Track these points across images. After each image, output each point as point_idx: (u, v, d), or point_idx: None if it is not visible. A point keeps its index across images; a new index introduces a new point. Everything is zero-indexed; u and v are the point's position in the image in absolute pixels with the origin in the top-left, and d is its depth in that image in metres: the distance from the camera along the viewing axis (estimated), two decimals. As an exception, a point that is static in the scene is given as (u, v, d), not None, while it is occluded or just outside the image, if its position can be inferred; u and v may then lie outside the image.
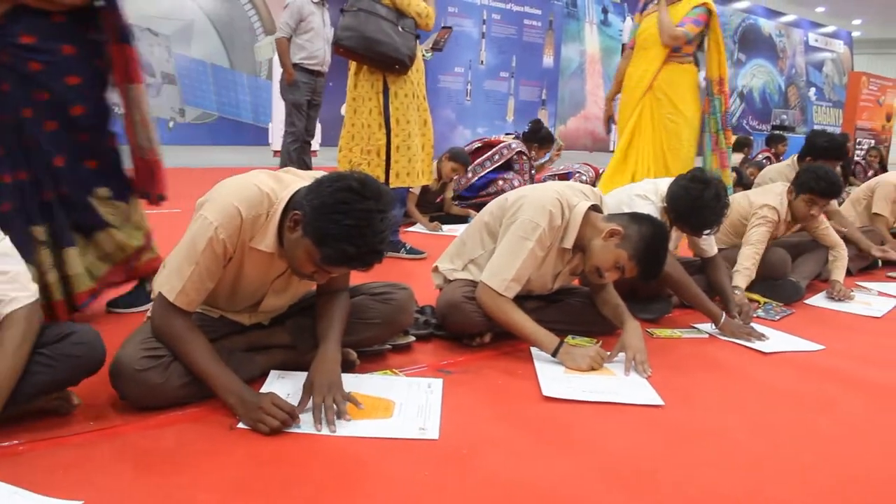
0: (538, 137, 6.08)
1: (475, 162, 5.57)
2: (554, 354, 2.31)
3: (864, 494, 1.70)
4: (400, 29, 3.80)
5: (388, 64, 3.82)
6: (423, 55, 4.46)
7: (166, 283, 1.83)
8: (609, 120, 5.02)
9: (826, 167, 3.62)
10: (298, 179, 1.89)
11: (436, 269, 2.67)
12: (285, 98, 6.10)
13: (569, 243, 2.40)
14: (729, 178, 4.68)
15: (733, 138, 4.73)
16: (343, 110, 4.16)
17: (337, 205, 1.67)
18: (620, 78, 4.83)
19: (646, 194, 2.92)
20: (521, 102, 11.01)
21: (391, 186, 3.99)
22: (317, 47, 6.00)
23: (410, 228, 4.95)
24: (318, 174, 1.86)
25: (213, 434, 1.74)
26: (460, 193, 5.55)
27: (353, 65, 3.97)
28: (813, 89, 20.55)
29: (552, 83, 11.57)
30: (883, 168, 9.69)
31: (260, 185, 1.83)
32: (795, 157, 4.47)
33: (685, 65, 4.54)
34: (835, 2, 19.92)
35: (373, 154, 3.94)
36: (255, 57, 10.79)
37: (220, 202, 1.81)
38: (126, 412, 1.80)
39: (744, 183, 7.25)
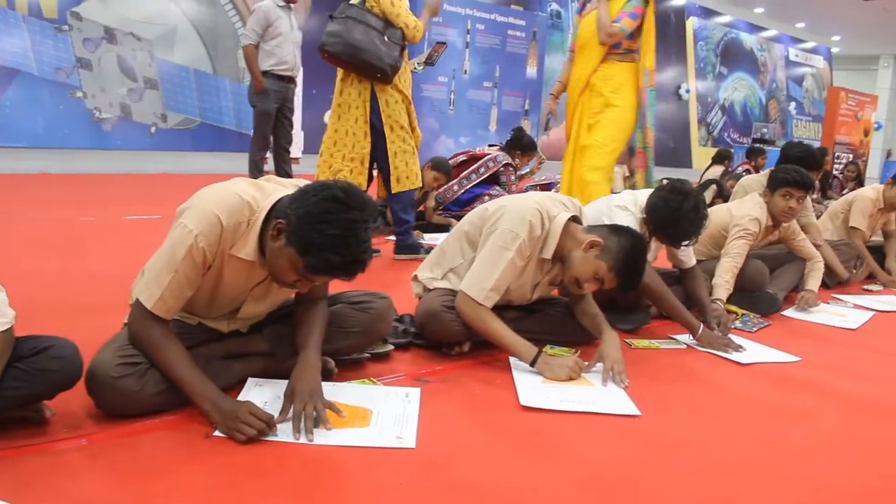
0: (521, 145, 6.10)
1: (460, 175, 5.57)
2: (532, 364, 2.32)
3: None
4: (385, 38, 3.83)
5: (370, 72, 3.84)
6: (415, 68, 4.50)
7: (145, 291, 1.82)
8: (548, 120, 4.87)
9: (792, 165, 3.70)
10: (280, 188, 1.89)
11: (415, 278, 2.68)
12: (254, 105, 6.03)
13: (548, 254, 2.41)
14: (643, 180, 4.54)
15: (651, 135, 4.50)
16: (327, 117, 4.17)
17: (322, 214, 1.67)
18: (565, 79, 4.68)
19: (625, 205, 2.94)
20: (504, 112, 11.06)
21: (394, 192, 4.01)
22: (286, 52, 5.93)
23: (392, 237, 4.94)
24: (301, 182, 1.87)
25: (190, 442, 1.73)
26: (446, 206, 5.56)
27: (339, 71, 3.99)
28: (793, 103, 20.81)
29: (535, 93, 11.63)
30: (860, 182, 9.81)
31: (241, 193, 1.83)
32: (771, 170, 4.50)
33: (625, 62, 4.38)
34: (814, 18, 20.18)
35: (356, 161, 3.96)
36: (239, 63, 10.75)
37: (200, 210, 1.80)
38: (101, 420, 1.79)
39: (724, 195, 7.33)
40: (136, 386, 1.78)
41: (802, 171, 3.56)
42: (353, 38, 3.77)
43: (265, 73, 5.89)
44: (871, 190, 4.79)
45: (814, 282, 3.78)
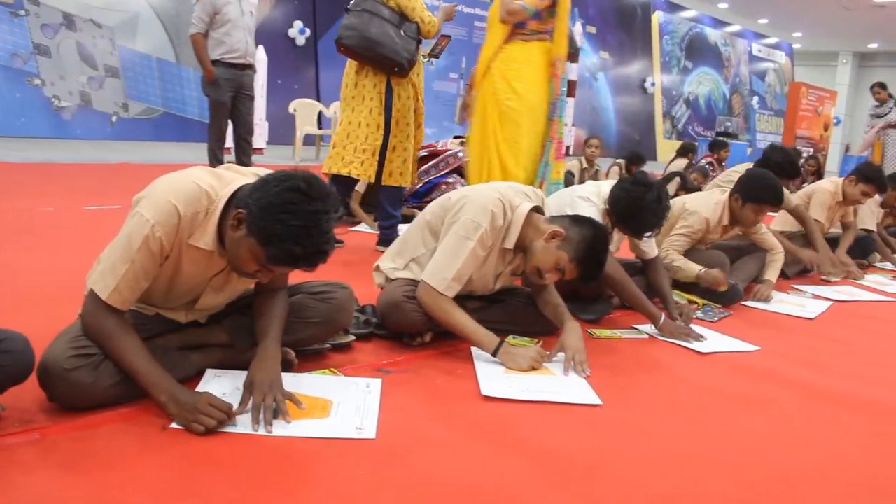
0: None
1: (420, 169, 5.56)
2: (494, 354, 2.33)
3: (794, 491, 1.74)
4: (402, 33, 3.87)
5: (387, 66, 3.88)
6: (423, 60, 4.50)
7: (99, 281, 1.78)
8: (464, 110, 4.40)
9: (769, 175, 3.69)
10: (240, 177, 1.87)
11: (377, 269, 2.66)
12: (207, 95, 5.92)
13: (510, 244, 2.41)
14: (562, 172, 4.08)
15: (559, 127, 3.97)
16: (332, 110, 4.17)
17: (284, 205, 1.65)
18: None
19: (588, 196, 2.96)
20: (470, 104, 11.04)
21: (383, 184, 4.01)
22: (236, 39, 5.80)
23: (355, 228, 4.92)
24: (261, 171, 1.84)
25: (145, 435, 1.70)
26: (406, 199, 5.54)
27: (353, 64, 4.01)
28: (756, 98, 21.09)
29: (502, 85, 11.60)
30: (819, 176, 9.99)
31: (199, 181, 1.80)
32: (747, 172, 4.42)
33: (530, 42, 3.85)
34: (776, 14, 20.47)
35: (367, 153, 3.96)
36: (203, 52, 10.59)
37: (156, 199, 1.77)
38: (54, 413, 1.75)
39: (688, 187, 7.40)
40: (89, 378, 1.74)
41: (779, 190, 3.58)
42: (370, 31, 3.79)
43: (216, 61, 5.75)
44: (830, 183, 4.87)
45: (772, 272, 3.84)
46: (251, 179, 1.80)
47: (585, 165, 7.49)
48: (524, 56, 3.84)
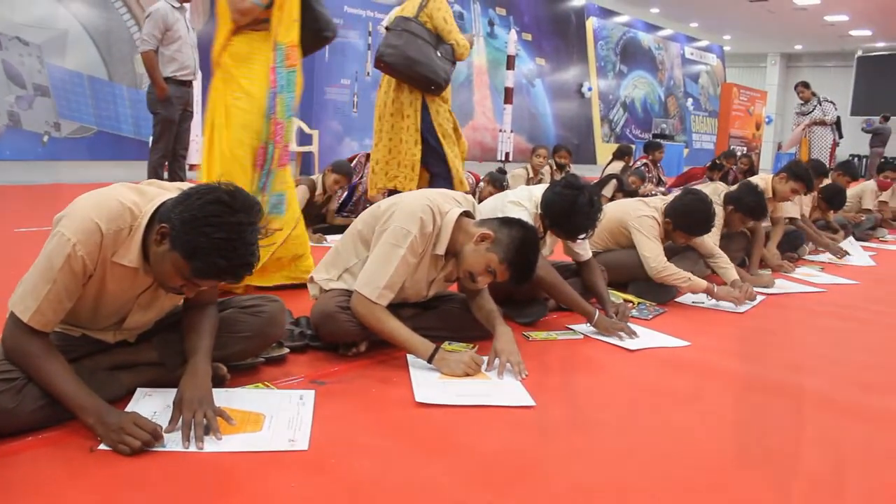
0: None
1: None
2: (429, 361, 2.34)
3: (724, 481, 1.79)
4: (439, 53, 4.10)
5: (424, 84, 4.09)
6: None
7: (20, 303, 1.74)
8: None
9: (705, 211, 3.64)
10: (163, 192, 1.85)
11: (311, 280, 2.66)
12: (156, 112, 5.84)
13: (441, 249, 2.43)
14: (288, 181, 3.33)
15: (279, 129, 3.19)
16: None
17: (207, 218, 1.64)
18: None
19: (519, 200, 3.00)
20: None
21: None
22: (186, 56, 5.77)
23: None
24: (184, 186, 1.83)
25: (72, 458, 1.67)
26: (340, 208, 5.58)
27: (390, 82, 4.22)
28: (690, 100, 21.55)
29: (440, 94, 11.67)
30: (752, 174, 10.24)
31: (121, 198, 1.78)
32: (722, 194, 4.45)
33: (255, 32, 3.18)
34: (705, 18, 21.02)
35: (408, 168, 4.21)
36: (136, 68, 10.41)
37: (77, 217, 1.74)
38: (-25, 440, 1.71)
39: (625, 190, 7.55)
40: (11, 403, 1.70)
41: (709, 227, 3.68)
42: (411, 50, 4.01)
43: (167, 79, 5.70)
44: (760, 180, 5.00)
45: (733, 272, 3.91)
46: (174, 194, 1.79)
47: (531, 174, 7.59)
48: (248, 47, 3.19)
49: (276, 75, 3.17)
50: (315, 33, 3.34)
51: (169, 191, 1.85)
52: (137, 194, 1.82)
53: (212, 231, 1.64)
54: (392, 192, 4.20)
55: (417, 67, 4.03)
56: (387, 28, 4.16)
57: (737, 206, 4.26)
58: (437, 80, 4.07)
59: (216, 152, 3.17)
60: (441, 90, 4.15)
